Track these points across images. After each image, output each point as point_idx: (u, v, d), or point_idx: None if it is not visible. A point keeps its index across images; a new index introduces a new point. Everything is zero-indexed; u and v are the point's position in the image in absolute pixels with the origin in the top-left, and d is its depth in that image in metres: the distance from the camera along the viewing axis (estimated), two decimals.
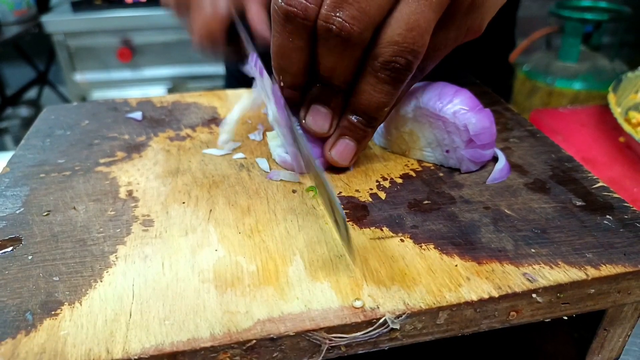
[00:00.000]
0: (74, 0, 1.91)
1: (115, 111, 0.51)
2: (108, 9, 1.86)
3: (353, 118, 0.35)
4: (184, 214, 0.34)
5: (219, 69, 2.04)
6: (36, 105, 2.67)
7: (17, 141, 2.33)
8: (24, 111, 2.58)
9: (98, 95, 2.04)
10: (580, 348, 0.34)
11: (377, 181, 0.37)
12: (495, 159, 0.38)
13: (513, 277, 0.28)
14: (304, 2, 0.31)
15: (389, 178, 0.37)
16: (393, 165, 0.39)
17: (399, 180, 0.37)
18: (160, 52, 1.96)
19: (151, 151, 0.43)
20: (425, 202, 0.34)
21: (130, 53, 1.94)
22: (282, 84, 0.35)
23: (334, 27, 0.30)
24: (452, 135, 0.36)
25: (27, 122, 2.48)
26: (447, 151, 0.37)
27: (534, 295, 0.27)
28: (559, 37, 1.26)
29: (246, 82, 0.44)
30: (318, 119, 0.36)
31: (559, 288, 0.27)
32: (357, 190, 0.36)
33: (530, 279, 0.27)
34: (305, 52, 0.33)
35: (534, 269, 0.28)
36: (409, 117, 0.38)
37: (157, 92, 2.02)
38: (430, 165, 0.39)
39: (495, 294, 0.27)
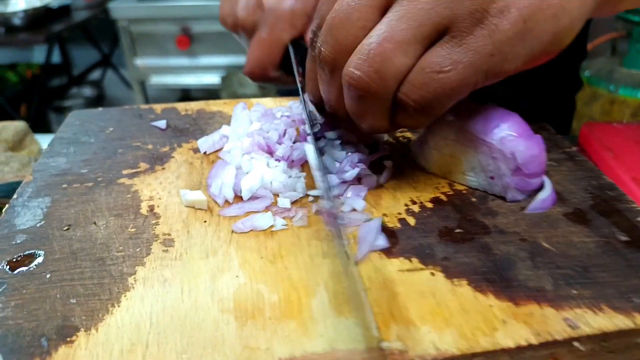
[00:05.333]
0: None
1: (140, 118, 0.50)
2: None
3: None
4: (205, 234, 0.33)
5: None
6: (99, 86, 2.82)
7: None
8: (87, 91, 2.74)
9: (156, 80, 2.14)
10: None
11: (405, 205, 0.35)
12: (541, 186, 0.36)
13: (553, 322, 0.26)
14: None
15: (418, 202, 0.35)
16: (423, 187, 0.37)
17: (429, 205, 0.35)
18: (216, 42, 2.02)
19: (174, 163, 0.42)
20: (457, 230, 0.32)
21: (188, 41, 2.02)
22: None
23: (319, 54, 0.33)
24: (498, 162, 0.34)
25: (91, 102, 2.64)
26: (492, 177, 0.35)
27: (575, 344, 0.25)
28: (626, 42, 1.19)
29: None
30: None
31: (603, 336, 0.25)
32: (385, 215, 0.34)
33: (572, 325, 0.25)
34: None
35: (575, 313, 0.26)
36: (451, 139, 0.36)
37: (211, 80, 2.11)
38: (463, 189, 0.37)
39: (534, 341, 0.25)
